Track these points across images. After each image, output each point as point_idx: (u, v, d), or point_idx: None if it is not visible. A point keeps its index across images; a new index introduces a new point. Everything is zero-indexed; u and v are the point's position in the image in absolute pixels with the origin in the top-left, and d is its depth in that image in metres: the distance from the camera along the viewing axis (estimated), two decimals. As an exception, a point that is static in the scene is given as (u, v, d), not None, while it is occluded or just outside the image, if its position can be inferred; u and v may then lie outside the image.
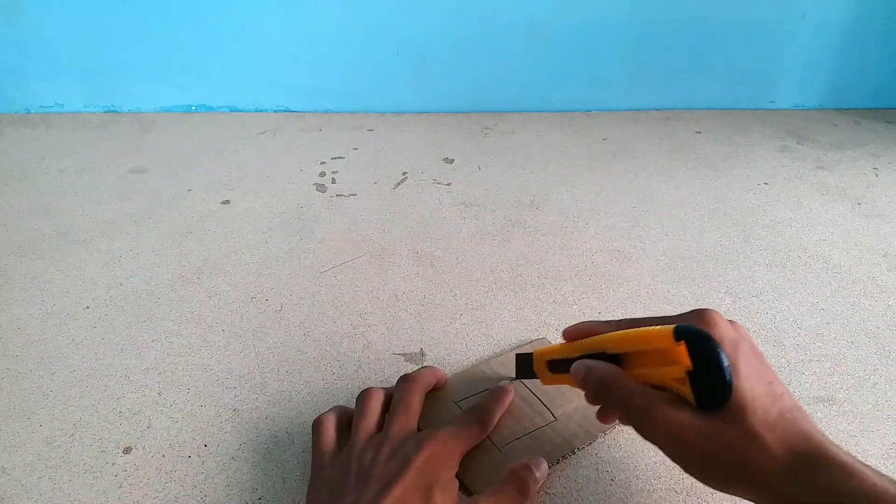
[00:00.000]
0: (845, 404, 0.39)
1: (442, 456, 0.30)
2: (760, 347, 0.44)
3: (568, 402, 0.38)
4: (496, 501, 0.29)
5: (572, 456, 0.35)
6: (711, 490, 0.33)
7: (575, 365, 0.31)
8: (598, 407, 0.32)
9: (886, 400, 0.40)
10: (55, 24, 0.90)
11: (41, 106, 0.96)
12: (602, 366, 0.29)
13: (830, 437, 0.36)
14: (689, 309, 0.30)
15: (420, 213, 0.65)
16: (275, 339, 0.45)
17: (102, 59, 0.93)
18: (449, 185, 0.72)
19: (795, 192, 0.70)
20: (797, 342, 0.45)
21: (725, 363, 0.24)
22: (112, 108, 0.97)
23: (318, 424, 0.34)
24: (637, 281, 0.53)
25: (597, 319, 0.33)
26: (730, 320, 0.29)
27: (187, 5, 0.90)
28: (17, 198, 0.68)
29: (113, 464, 0.35)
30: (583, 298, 0.50)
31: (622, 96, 0.99)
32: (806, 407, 0.38)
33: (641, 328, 0.28)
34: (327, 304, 0.49)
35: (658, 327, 0.27)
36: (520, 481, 0.31)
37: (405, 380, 0.36)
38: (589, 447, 0.35)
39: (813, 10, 0.92)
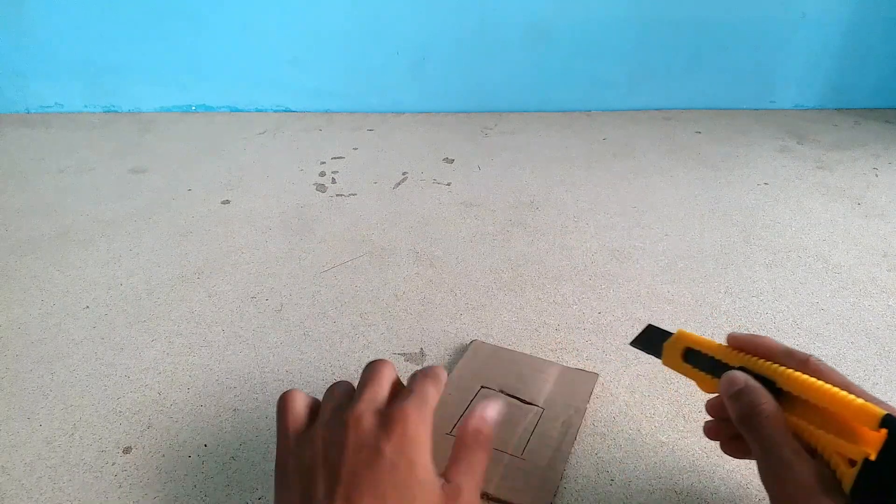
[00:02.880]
0: (845, 404, 0.39)
1: (413, 436, 0.26)
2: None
3: (538, 386, 0.39)
4: (465, 468, 0.27)
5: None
6: (712, 490, 0.33)
7: (735, 374, 0.28)
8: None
9: (886, 400, 0.39)
10: (55, 24, 0.90)
11: (41, 106, 0.96)
12: (765, 393, 0.27)
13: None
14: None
15: (420, 213, 0.65)
16: (275, 339, 0.45)
17: (102, 59, 0.93)
18: (449, 185, 0.72)
19: (795, 192, 0.70)
20: (797, 342, 0.45)
21: None
22: (112, 108, 0.97)
23: (284, 400, 0.29)
24: (637, 281, 0.53)
25: (771, 338, 0.29)
26: None
27: (188, 5, 0.90)
28: (17, 198, 0.68)
29: (113, 464, 0.35)
30: (583, 298, 0.50)
31: (622, 96, 0.99)
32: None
33: (839, 390, 0.25)
34: (327, 304, 0.49)
35: (863, 402, 0.24)
36: (475, 431, 0.28)
37: (373, 363, 0.31)
38: (589, 446, 0.35)
39: (813, 10, 0.92)
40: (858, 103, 1.01)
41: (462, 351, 0.43)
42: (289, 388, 0.40)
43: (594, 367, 0.42)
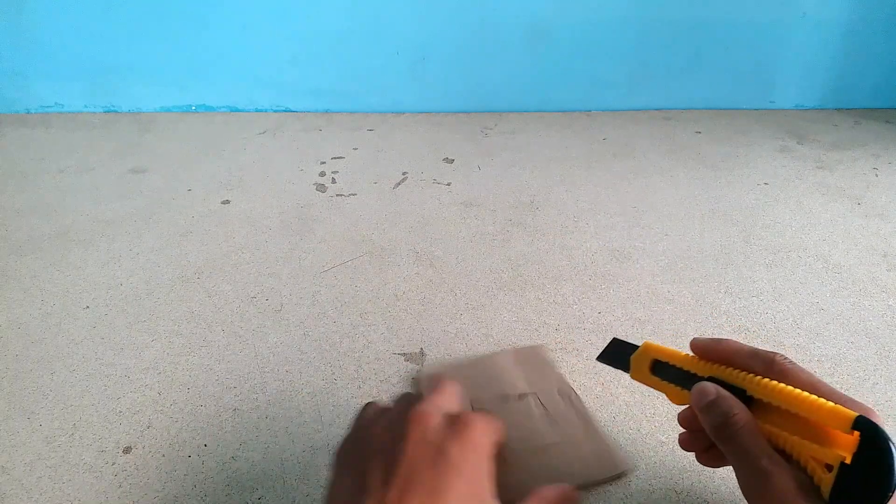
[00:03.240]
0: (845, 404, 0.39)
1: (479, 444, 0.26)
2: (760, 348, 0.44)
3: (512, 376, 0.40)
4: None
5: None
6: (712, 490, 0.33)
7: (705, 386, 0.27)
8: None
9: (886, 400, 0.40)
10: (55, 24, 0.90)
11: (41, 106, 0.96)
12: (737, 402, 0.26)
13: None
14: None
15: (420, 213, 0.65)
16: (275, 339, 0.45)
17: (102, 59, 0.93)
18: (449, 185, 0.72)
19: (795, 192, 0.70)
20: (797, 342, 0.45)
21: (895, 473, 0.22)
22: (112, 108, 0.97)
23: (366, 406, 0.30)
24: (637, 281, 0.53)
25: (735, 341, 0.29)
26: None
27: (187, 5, 0.90)
28: (17, 198, 0.68)
29: (113, 464, 0.35)
30: (583, 298, 0.50)
31: (622, 96, 0.99)
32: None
33: (811, 395, 0.25)
34: (327, 304, 0.49)
35: (834, 405, 0.24)
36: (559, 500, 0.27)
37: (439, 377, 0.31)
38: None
39: (813, 10, 0.92)
40: (858, 103, 1.01)
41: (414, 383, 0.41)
42: (289, 387, 0.41)
43: (595, 367, 0.42)
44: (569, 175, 0.75)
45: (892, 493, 0.22)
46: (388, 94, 0.98)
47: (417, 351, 0.44)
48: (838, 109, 1.00)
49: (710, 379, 0.28)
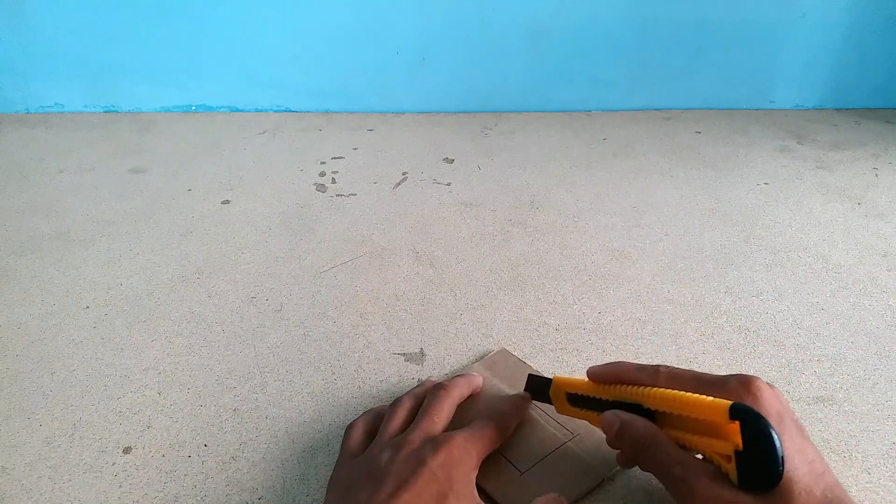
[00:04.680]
0: (845, 404, 0.39)
1: (458, 459, 0.29)
2: (760, 348, 0.44)
3: (492, 385, 0.38)
4: None
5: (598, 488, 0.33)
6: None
7: (607, 416, 0.29)
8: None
9: (886, 400, 0.40)
10: (55, 24, 0.90)
11: (41, 106, 0.96)
12: (639, 423, 0.28)
13: (830, 437, 0.36)
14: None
15: (420, 213, 0.65)
16: (275, 339, 0.45)
17: (102, 59, 0.93)
18: (449, 185, 0.72)
19: (795, 192, 0.70)
20: (797, 342, 0.45)
21: (780, 453, 0.24)
22: (112, 108, 0.97)
23: (348, 429, 0.34)
24: (637, 281, 0.53)
25: (625, 361, 0.32)
26: (769, 384, 0.28)
27: (187, 5, 0.90)
28: (17, 198, 0.68)
29: (113, 464, 0.35)
30: (583, 298, 0.50)
31: (622, 96, 0.99)
32: (806, 407, 0.39)
33: (690, 395, 0.27)
34: (327, 304, 0.49)
35: (712, 399, 0.26)
36: None
37: (437, 387, 0.35)
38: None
39: (813, 10, 0.92)
40: (858, 103, 1.01)
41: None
42: (289, 387, 0.41)
43: (594, 367, 0.42)
44: (569, 175, 0.75)
45: (783, 468, 0.24)
46: (388, 94, 0.98)
47: (417, 351, 0.44)
48: (838, 109, 1.00)
49: (614, 402, 0.30)
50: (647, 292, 0.51)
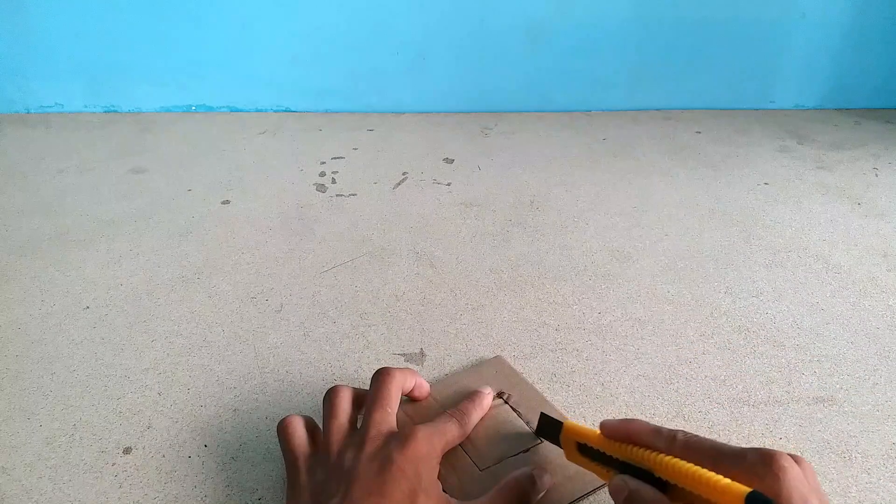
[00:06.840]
0: (845, 404, 0.39)
1: (424, 454, 0.29)
2: (760, 348, 0.44)
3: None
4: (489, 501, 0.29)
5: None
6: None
7: (616, 481, 0.28)
8: None
9: (886, 400, 0.40)
10: (55, 24, 0.90)
11: (41, 106, 0.96)
12: (649, 494, 0.27)
13: (830, 437, 0.36)
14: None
15: (420, 213, 0.65)
16: (275, 339, 0.45)
17: (102, 59, 0.93)
18: (449, 185, 0.72)
19: (795, 192, 0.70)
20: (797, 342, 0.45)
21: None
22: (112, 108, 0.97)
23: (284, 427, 0.33)
24: (637, 281, 0.53)
25: (641, 420, 0.30)
26: (795, 458, 0.26)
27: (187, 5, 0.90)
28: (17, 198, 0.68)
29: (113, 464, 0.35)
30: (583, 298, 0.50)
31: (622, 96, 0.99)
32: (806, 407, 0.39)
33: (705, 473, 0.25)
34: (327, 304, 0.49)
35: (727, 483, 0.24)
36: (521, 491, 0.30)
37: (380, 373, 0.34)
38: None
39: (813, 10, 0.92)
40: (858, 103, 1.01)
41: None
42: (289, 387, 0.41)
43: (594, 367, 0.42)
44: (569, 175, 0.75)
45: None
46: (388, 94, 0.98)
47: (417, 351, 0.44)
48: (838, 109, 1.00)
49: (622, 463, 0.29)
50: (647, 292, 0.51)
